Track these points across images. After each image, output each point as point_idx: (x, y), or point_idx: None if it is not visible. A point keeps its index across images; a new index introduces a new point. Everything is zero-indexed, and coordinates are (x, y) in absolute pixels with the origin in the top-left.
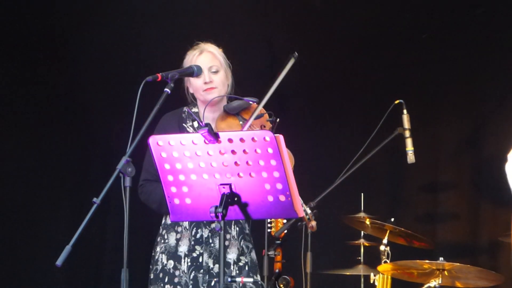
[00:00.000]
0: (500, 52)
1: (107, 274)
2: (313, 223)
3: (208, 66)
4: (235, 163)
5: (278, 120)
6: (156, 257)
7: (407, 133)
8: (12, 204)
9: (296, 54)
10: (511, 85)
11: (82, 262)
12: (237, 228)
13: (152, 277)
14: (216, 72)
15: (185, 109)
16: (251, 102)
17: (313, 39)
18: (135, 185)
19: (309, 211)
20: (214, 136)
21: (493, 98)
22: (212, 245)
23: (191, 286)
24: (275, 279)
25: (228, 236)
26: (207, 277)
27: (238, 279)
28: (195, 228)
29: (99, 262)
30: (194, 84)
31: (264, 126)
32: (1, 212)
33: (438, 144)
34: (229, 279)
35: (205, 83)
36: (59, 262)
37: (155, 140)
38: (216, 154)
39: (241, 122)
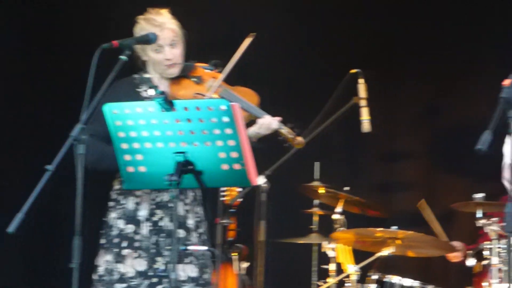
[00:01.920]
0: (459, 21)
1: (59, 241)
2: (299, 138)
3: (169, 42)
4: (191, 131)
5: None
6: (110, 223)
7: (363, 102)
8: None
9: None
10: (468, 56)
11: (35, 229)
12: (193, 194)
13: (105, 242)
14: (175, 45)
15: (136, 75)
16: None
17: (269, 9)
18: None
19: (287, 128)
20: (170, 104)
21: (451, 69)
22: (173, 209)
23: (153, 250)
24: (228, 248)
25: (187, 201)
26: (169, 240)
27: (192, 247)
28: (155, 192)
29: (52, 230)
30: (154, 59)
31: (215, 78)
32: None
33: (394, 114)
34: (183, 247)
35: (167, 59)
36: (11, 228)
37: (110, 108)
38: (171, 122)
39: (194, 80)
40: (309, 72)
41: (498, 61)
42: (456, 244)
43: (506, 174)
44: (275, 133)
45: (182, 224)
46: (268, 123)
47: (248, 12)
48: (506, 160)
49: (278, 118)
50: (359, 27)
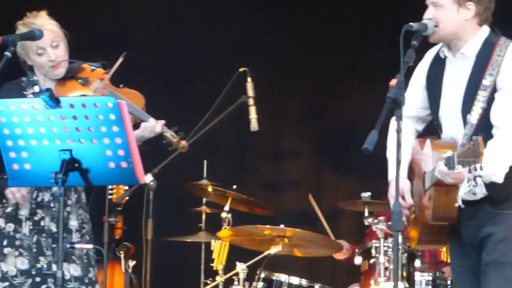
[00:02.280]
0: (344, 23)
1: None
2: (183, 142)
3: (50, 44)
4: (77, 129)
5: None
6: None
7: (251, 101)
8: None
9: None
10: (354, 57)
11: None
12: (76, 196)
13: None
14: (57, 46)
15: (24, 78)
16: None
17: (154, 7)
18: None
19: (171, 132)
20: (55, 101)
21: (335, 70)
22: (53, 209)
23: (35, 249)
24: (115, 246)
25: (69, 202)
26: (50, 240)
27: (77, 245)
28: (36, 192)
29: None
30: (39, 62)
31: (102, 79)
32: None
33: (282, 113)
34: (68, 245)
35: (50, 60)
36: None
37: None
38: (57, 120)
39: (80, 81)
40: (199, 71)
41: (383, 61)
42: (342, 243)
43: (391, 189)
44: (160, 137)
45: (64, 225)
46: (152, 126)
47: (135, 11)
48: (390, 175)
49: (162, 122)
50: (247, 27)
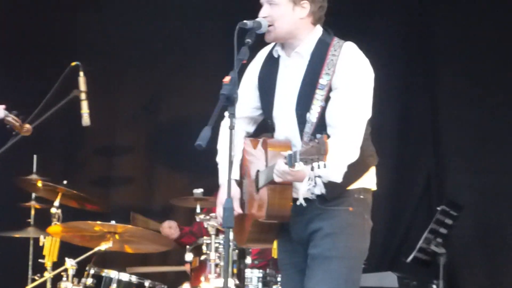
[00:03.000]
0: (175, 21)
1: None
2: (27, 126)
3: None
4: None
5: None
6: None
7: (83, 96)
8: None
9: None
10: (185, 54)
11: None
12: None
13: None
14: None
15: None
16: None
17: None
18: None
19: (12, 116)
20: None
21: (169, 65)
22: None
23: None
24: None
25: None
26: None
27: None
28: None
29: None
30: None
31: None
32: None
33: (115, 108)
34: None
35: None
36: None
37: None
38: None
39: None
40: (29, 65)
41: (217, 58)
42: (170, 223)
43: (220, 194)
44: (2, 123)
45: None
46: None
47: None
48: (221, 179)
49: (2, 106)
50: (81, 21)
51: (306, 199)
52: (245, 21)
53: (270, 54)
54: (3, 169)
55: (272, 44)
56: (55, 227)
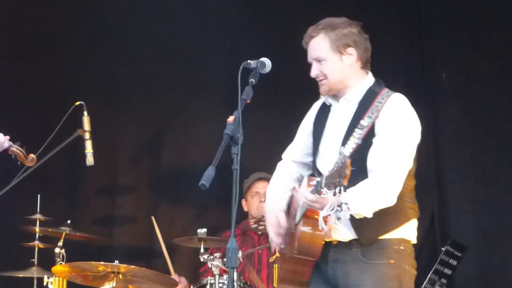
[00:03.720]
0: (178, 62)
1: None
2: (31, 156)
3: None
4: None
5: None
6: None
7: (87, 135)
8: None
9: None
10: (188, 93)
11: None
12: None
13: None
14: None
15: None
16: None
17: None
18: None
19: (16, 146)
20: None
21: (172, 105)
22: None
23: None
24: None
25: None
26: None
27: None
28: None
29: None
30: None
31: None
32: None
33: (118, 147)
34: None
35: None
36: None
37: None
38: None
39: None
40: (34, 103)
41: (220, 98)
42: (181, 279)
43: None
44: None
45: None
46: (1, 142)
47: None
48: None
49: (6, 137)
50: (83, 60)
51: (341, 243)
52: (249, 61)
53: (324, 103)
54: (8, 208)
55: None
56: (60, 267)
